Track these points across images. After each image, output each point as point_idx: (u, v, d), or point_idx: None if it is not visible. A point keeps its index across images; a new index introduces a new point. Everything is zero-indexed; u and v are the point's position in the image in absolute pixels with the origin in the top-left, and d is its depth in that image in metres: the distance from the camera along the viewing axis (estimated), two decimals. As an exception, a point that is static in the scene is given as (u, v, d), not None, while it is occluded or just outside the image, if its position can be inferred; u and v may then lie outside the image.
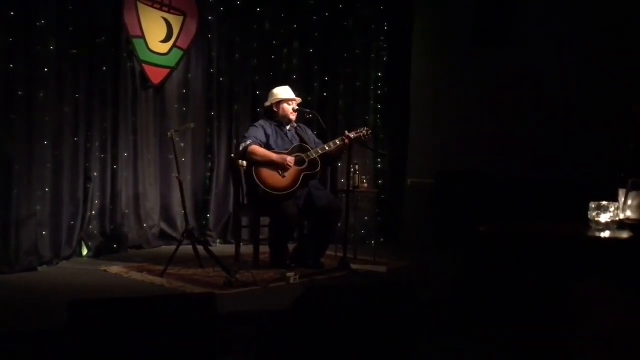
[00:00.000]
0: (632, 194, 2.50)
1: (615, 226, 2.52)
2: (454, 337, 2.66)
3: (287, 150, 4.64)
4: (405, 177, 6.46)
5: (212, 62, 5.95)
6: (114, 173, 5.23)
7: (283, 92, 4.80)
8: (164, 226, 5.74)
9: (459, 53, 6.10)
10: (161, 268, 4.27)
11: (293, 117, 4.76)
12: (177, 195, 5.43)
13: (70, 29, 4.75)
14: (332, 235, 4.78)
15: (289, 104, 4.75)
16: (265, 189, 4.44)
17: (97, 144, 5.08)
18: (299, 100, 4.83)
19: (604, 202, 2.56)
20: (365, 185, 5.28)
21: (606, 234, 2.44)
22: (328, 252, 4.80)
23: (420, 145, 6.35)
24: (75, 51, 4.81)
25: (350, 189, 4.67)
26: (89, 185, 4.99)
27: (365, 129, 4.79)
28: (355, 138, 4.66)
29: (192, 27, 5.79)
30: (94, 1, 4.99)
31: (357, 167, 5.10)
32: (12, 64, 4.27)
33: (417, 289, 2.11)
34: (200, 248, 4.51)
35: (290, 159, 4.51)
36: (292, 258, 4.56)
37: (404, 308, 2.05)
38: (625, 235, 2.40)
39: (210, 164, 5.98)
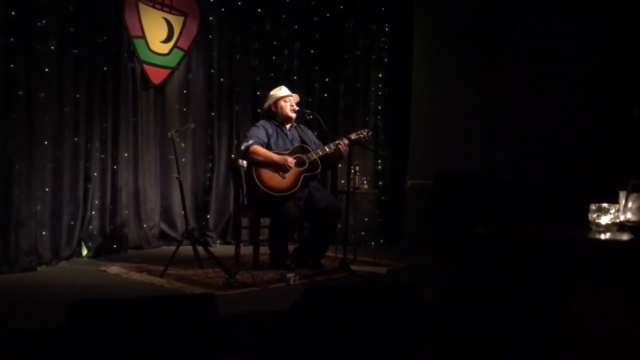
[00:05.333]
0: (632, 196, 2.50)
1: (615, 228, 2.52)
2: (454, 338, 2.66)
3: (287, 150, 4.63)
4: (405, 178, 6.46)
5: (213, 62, 5.96)
6: (114, 173, 5.24)
7: (279, 91, 4.81)
8: (163, 226, 5.74)
9: (459, 54, 6.10)
10: (161, 268, 4.26)
11: (292, 114, 4.76)
12: (177, 196, 5.44)
13: (71, 29, 4.76)
14: (332, 236, 4.78)
15: (286, 101, 4.76)
16: (266, 190, 4.43)
17: (97, 144, 5.08)
18: (296, 96, 4.83)
19: (605, 204, 2.56)
20: (366, 186, 5.28)
21: (606, 236, 2.44)
22: (328, 253, 4.79)
23: (421, 146, 6.35)
24: (76, 51, 4.81)
25: (351, 190, 4.67)
26: (89, 186, 4.99)
27: (366, 130, 4.79)
28: (356, 139, 4.67)
29: (193, 28, 5.80)
30: (95, 1, 4.99)
31: (357, 168, 5.10)
32: (13, 64, 4.27)
33: (417, 290, 2.10)
34: (200, 248, 4.50)
35: (291, 160, 4.50)
36: (292, 259, 4.56)
37: (404, 309, 2.05)
38: (625, 237, 2.39)
39: (210, 165, 5.98)
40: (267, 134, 4.66)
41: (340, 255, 4.66)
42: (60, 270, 4.49)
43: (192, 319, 1.86)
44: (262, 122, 4.81)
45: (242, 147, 4.60)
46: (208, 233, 5.86)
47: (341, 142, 4.60)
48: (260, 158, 4.50)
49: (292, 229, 4.71)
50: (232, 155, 5.80)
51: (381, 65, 6.49)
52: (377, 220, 6.35)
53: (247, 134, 4.70)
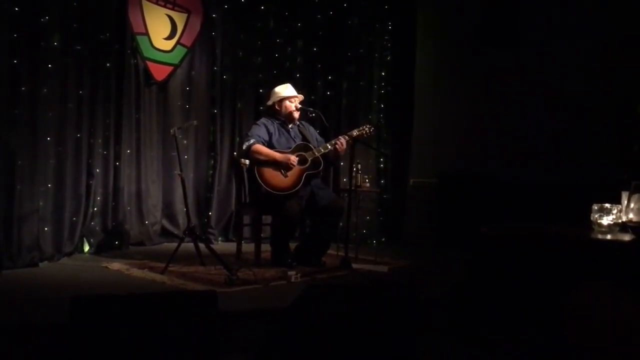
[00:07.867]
0: (634, 197, 2.50)
1: (617, 228, 2.52)
2: (456, 337, 2.66)
3: (289, 148, 4.63)
4: (407, 177, 6.45)
5: (216, 59, 5.96)
6: (117, 169, 5.24)
7: (285, 89, 4.79)
8: (165, 223, 5.74)
9: (462, 53, 6.09)
10: (162, 265, 4.27)
11: (296, 114, 4.76)
12: (179, 193, 5.44)
13: (75, 25, 4.76)
14: (333, 234, 4.78)
15: (292, 101, 4.75)
16: (268, 189, 4.43)
17: (99, 140, 5.09)
18: (301, 97, 4.83)
19: (607, 205, 2.56)
20: (368, 184, 5.28)
21: (608, 236, 2.44)
22: (329, 251, 4.80)
23: (423, 145, 6.34)
24: (79, 47, 4.81)
25: (353, 188, 4.67)
26: (91, 182, 4.99)
27: (368, 126, 4.78)
28: (358, 136, 4.66)
29: (196, 25, 5.79)
30: (98, -2, 5.00)
31: (359, 166, 5.10)
32: (16, 60, 4.26)
33: (418, 289, 2.10)
34: (201, 245, 4.51)
35: (293, 159, 4.50)
36: (294, 256, 4.56)
37: (405, 308, 2.05)
38: (627, 237, 2.39)
39: (212, 162, 5.99)
40: (268, 132, 4.66)
41: (341, 254, 4.66)
42: (62, 266, 4.50)
43: (193, 315, 1.87)
44: (263, 120, 4.80)
45: (244, 147, 4.59)
46: (210, 230, 5.87)
47: (338, 142, 4.60)
48: (262, 157, 4.50)
49: (294, 227, 4.70)
50: (235, 153, 5.80)
51: (384, 64, 6.48)
52: (378, 219, 6.34)
53: (249, 133, 4.70)
